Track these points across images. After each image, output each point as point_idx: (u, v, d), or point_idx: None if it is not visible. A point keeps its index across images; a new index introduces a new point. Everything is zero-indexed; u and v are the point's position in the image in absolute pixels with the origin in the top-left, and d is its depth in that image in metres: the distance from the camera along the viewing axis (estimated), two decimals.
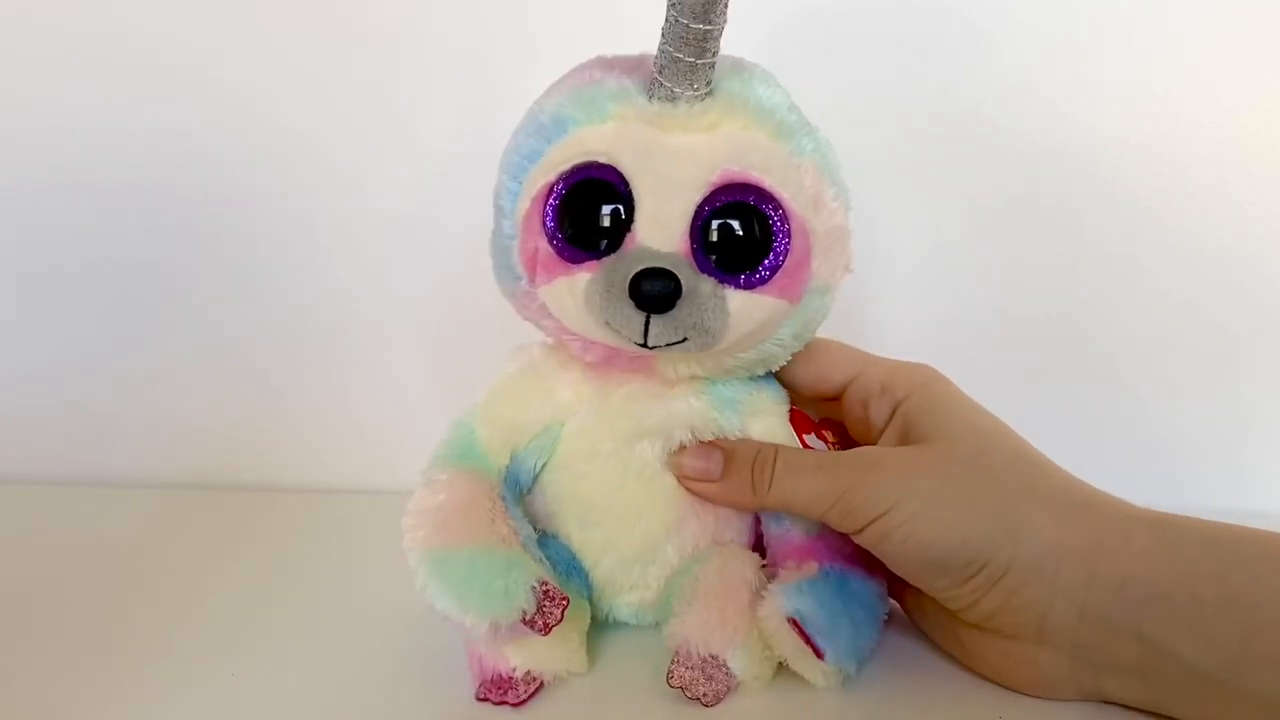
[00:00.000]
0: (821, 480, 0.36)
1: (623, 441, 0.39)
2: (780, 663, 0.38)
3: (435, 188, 0.55)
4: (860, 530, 0.36)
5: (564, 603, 0.36)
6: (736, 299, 0.35)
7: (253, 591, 0.47)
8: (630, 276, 0.33)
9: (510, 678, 0.37)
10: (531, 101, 0.38)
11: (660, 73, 0.33)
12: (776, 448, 0.38)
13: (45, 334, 0.60)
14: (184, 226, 0.57)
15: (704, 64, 0.33)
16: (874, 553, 0.37)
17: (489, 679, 0.37)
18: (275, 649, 0.41)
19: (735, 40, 0.35)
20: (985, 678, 0.38)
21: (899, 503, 0.35)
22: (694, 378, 0.39)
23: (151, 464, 0.62)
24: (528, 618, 0.35)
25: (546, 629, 0.35)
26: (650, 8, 0.35)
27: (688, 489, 0.39)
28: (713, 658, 0.37)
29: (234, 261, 0.58)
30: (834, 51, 0.53)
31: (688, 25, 0.31)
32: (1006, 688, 0.37)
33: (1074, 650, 0.35)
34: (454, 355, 0.56)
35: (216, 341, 0.60)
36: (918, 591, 0.38)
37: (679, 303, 0.33)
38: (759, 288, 0.35)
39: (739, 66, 0.37)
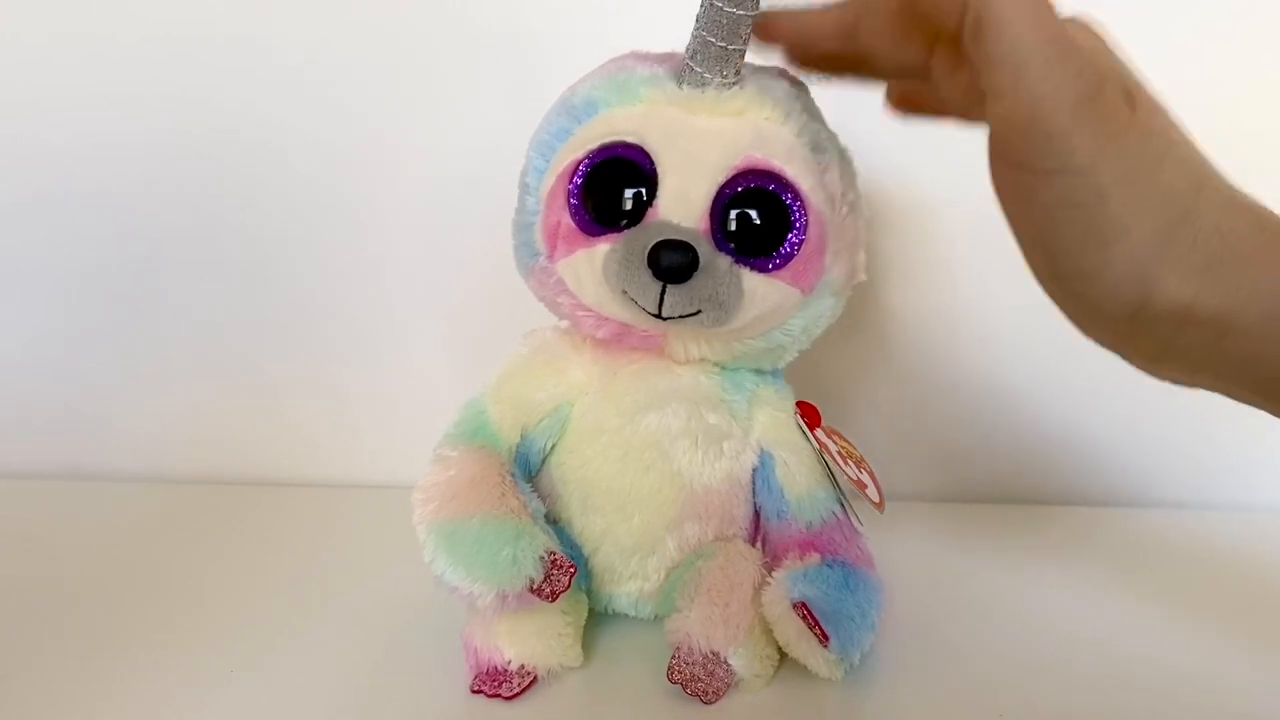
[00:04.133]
0: None
1: (628, 417, 0.39)
2: (780, 660, 0.38)
3: (449, 184, 0.56)
4: None
5: (572, 571, 0.36)
6: (751, 279, 0.36)
7: (252, 587, 0.46)
8: (650, 246, 0.34)
9: (505, 670, 0.37)
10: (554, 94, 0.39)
11: (692, 58, 0.35)
12: None
13: (51, 329, 0.60)
14: (187, 221, 0.57)
15: (735, 50, 0.34)
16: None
17: (484, 672, 0.37)
18: (272, 643, 0.41)
19: None
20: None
21: None
22: (703, 360, 0.40)
23: (153, 459, 0.61)
24: (535, 586, 0.35)
25: (554, 596, 0.35)
26: (680, 11, 0.37)
27: None
28: (714, 654, 0.36)
29: (241, 257, 0.58)
30: None
31: (721, 9, 0.33)
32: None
33: None
34: (464, 354, 0.56)
35: (219, 337, 0.59)
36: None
37: (695, 274, 0.34)
38: (774, 272, 0.36)
39: (768, 67, 0.38)
